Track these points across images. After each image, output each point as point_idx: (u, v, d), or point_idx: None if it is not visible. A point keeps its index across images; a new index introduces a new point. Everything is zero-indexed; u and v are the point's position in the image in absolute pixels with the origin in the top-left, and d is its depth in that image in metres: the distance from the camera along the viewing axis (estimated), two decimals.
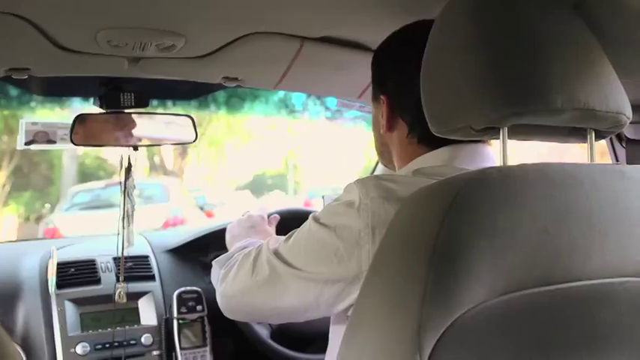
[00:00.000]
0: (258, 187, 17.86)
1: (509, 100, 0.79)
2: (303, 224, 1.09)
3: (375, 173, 2.27)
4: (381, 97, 1.16)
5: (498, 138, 0.83)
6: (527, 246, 0.74)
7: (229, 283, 1.20)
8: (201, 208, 11.32)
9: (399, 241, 0.79)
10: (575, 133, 0.91)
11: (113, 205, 7.84)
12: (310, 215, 1.09)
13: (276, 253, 1.10)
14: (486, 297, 0.72)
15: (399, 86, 1.13)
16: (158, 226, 8.23)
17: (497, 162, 1.07)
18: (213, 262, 1.34)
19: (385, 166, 1.28)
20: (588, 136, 0.90)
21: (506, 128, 0.82)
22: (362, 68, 1.34)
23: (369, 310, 0.79)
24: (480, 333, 0.71)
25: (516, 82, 0.79)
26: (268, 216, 1.60)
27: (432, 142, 1.09)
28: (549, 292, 0.76)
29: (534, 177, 0.78)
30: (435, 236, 0.72)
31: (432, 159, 1.09)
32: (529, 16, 0.83)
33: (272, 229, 1.55)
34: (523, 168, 0.79)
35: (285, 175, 17.74)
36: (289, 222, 1.85)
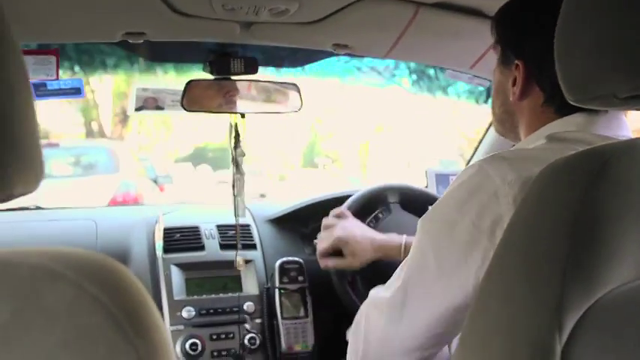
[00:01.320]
0: (198, 160, 16.78)
1: None
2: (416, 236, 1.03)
3: (484, 144, 2.19)
4: (516, 61, 1.07)
5: None
6: None
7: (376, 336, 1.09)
8: (155, 181, 9.08)
9: (537, 212, 0.74)
10: None
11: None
12: (420, 221, 1.03)
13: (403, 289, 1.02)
14: (631, 277, 0.67)
15: (539, 50, 1.02)
16: (102, 204, 5.98)
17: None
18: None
19: (502, 135, 1.20)
20: None
21: None
22: (478, 36, 1.30)
23: (502, 285, 0.75)
24: (624, 316, 0.68)
25: None
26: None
27: (567, 112, 1.02)
28: None
29: None
30: (577, 209, 0.67)
31: (565, 125, 1.01)
32: None
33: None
34: None
35: (228, 150, 16.94)
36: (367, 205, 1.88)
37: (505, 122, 1.16)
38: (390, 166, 13.53)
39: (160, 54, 1.83)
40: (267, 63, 1.88)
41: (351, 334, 1.17)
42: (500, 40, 1.12)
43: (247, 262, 1.99)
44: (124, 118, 14.42)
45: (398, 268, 1.07)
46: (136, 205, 2.84)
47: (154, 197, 7.85)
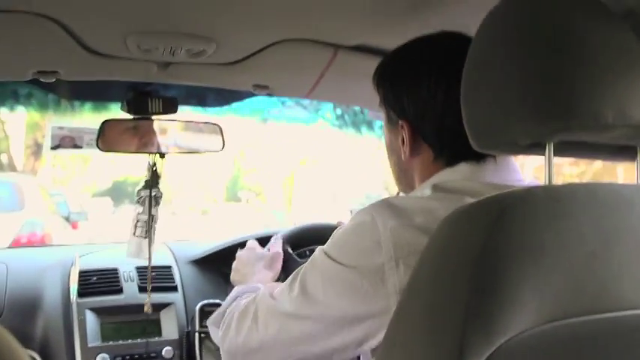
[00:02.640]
0: (118, 194, 16.13)
1: (556, 115, 0.73)
2: (310, 261, 1.02)
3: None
4: (400, 122, 1.06)
5: (543, 154, 0.78)
6: (575, 270, 0.70)
7: (233, 341, 1.10)
8: (67, 219, 8.32)
9: (438, 262, 0.75)
10: (623, 151, 0.86)
11: None
12: (318, 249, 1.01)
13: (283, 302, 1.02)
14: (531, 324, 0.68)
15: (420, 108, 1.04)
16: (3, 245, 5.14)
17: (525, 174, 1.05)
18: (208, 323, 1.26)
19: (403, 191, 1.18)
20: (638, 155, 0.84)
21: (552, 144, 0.77)
22: None
23: (404, 335, 0.75)
24: None
25: (564, 95, 0.73)
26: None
27: (457, 162, 1.04)
28: (597, 321, 0.71)
29: (582, 197, 0.74)
30: (476, 257, 0.68)
31: (451, 174, 1.02)
32: (577, 27, 0.77)
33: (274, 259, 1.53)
34: (570, 187, 0.75)
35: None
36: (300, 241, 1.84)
37: (402, 179, 1.14)
38: (315, 200, 13.52)
39: (76, 92, 1.79)
40: (189, 102, 1.86)
41: (216, 325, 1.20)
42: (383, 100, 1.10)
43: (167, 305, 1.95)
44: (37, 151, 13.55)
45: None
46: (52, 246, 2.72)
47: (66, 236, 7.26)
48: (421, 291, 0.75)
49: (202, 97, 1.91)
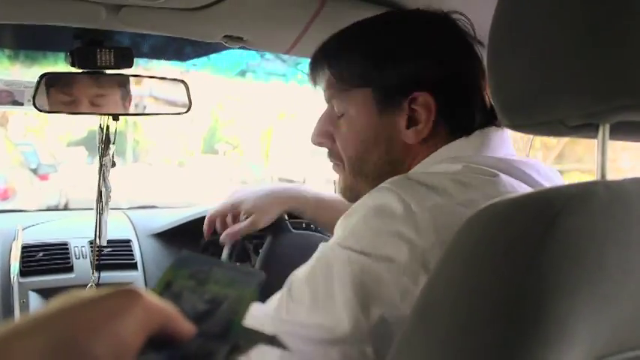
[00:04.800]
0: (93, 144, 16.42)
1: (618, 90, 0.58)
2: (315, 261, 0.84)
3: None
4: (409, 97, 0.93)
5: (595, 137, 0.65)
6: (637, 295, 0.59)
7: None
8: (34, 171, 7.91)
9: (462, 280, 0.62)
10: None
11: None
12: (324, 245, 0.85)
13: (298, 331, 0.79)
14: None
15: (442, 74, 0.94)
16: None
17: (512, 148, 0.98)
18: None
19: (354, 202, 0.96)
20: None
21: (608, 126, 0.64)
22: None
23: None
24: None
25: (631, 65, 0.57)
26: None
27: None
28: None
29: None
30: (518, 277, 0.56)
31: (463, 147, 0.93)
32: None
33: None
34: (637, 183, 0.63)
35: (124, 133, 14.93)
36: None
37: (385, 175, 0.92)
38: (292, 154, 13.44)
39: (12, 39, 1.53)
40: (146, 54, 1.61)
41: None
42: (371, 78, 0.96)
43: (125, 285, 1.72)
44: None
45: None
46: None
47: (32, 190, 7.07)
48: (436, 314, 0.62)
49: (163, 49, 1.66)
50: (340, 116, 0.99)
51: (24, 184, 6.94)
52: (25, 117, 15.06)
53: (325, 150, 1.05)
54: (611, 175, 0.67)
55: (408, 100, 0.93)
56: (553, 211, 0.58)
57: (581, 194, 0.60)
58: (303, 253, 1.17)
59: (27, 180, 7.31)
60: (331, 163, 1.06)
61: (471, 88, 0.96)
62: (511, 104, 0.68)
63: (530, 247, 0.57)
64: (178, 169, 16.67)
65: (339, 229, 0.84)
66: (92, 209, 1.60)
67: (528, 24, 0.65)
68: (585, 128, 0.65)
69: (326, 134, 1.03)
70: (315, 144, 1.06)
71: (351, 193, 1.02)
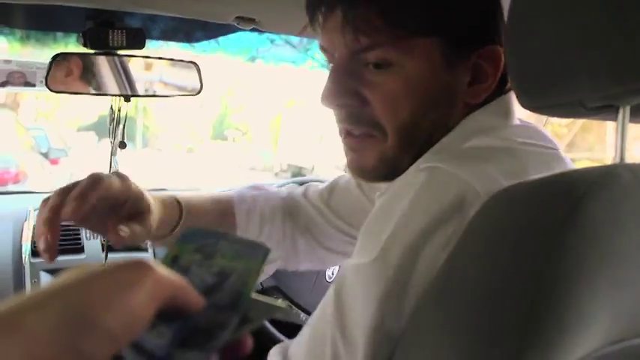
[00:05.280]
0: (103, 129, 16.19)
1: (637, 71, 0.57)
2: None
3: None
4: (494, 52, 0.81)
5: (614, 119, 0.64)
6: None
7: None
8: (45, 155, 7.82)
9: (482, 263, 0.60)
10: None
11: None
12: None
13: None
14: (598, 345, 0.57)
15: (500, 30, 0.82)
16: None
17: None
18: None
19: (381, 180, 0.87)
20: None
21: (628, 108, 0.63)
22: None
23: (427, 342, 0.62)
24: None
25: None
26: None
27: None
28: None
29: None
30: (539, 265, 0.54)
31: (497, 113, 0.82)
32: None
33: None
34: None
35: (134, 118, 14.64)
36: None
37: (431, 146, 0.82)
38: (301, 141, 13.39)
39: (24, 20, 1.52)
40: (158, 36, 1.60)
41: None
42: (440, 25, 0.79)
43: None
44: None
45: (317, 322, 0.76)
46: (5, 194, 2.44)
47: (43, 173, 6.98)
48: (458, 287, 0.62)
49: (182, 30, 1.65)
50: (379, 68, 0.80)
51: (35, 168, 6.87)
52: (37, 101, 15.01)
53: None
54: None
55: (477, 52, 0.80)
56: (576, 195, 0.57)
57: (603, 178, 0.59)
58: None
59: (38, 164, 7.24)
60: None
61: None
62: (530, 86, 0.67)
63: (552, 231, 0.56)
64: (188, 155, 16.65)
65: (374, 218, 0.74)
66: None
67: (547, 5, 0.64)
68: (605, 110, 0.64)
69: (353, 93, 0.82)
70: (333, 106, 0.85)
71: (387, 170, 0.84)
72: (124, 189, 0.91)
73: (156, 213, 0.98)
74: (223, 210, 1.14)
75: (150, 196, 0.97)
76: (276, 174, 13.48)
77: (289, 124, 14.89)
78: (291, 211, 1.17)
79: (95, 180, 0.87)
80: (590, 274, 0.55)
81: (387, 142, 0.82)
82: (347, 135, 0.86)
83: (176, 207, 1.07)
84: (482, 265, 0.60)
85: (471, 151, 0.77)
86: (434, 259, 0.67)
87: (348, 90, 0.82)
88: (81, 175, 0.93)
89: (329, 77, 0.83)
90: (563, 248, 0.55)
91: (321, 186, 1.20)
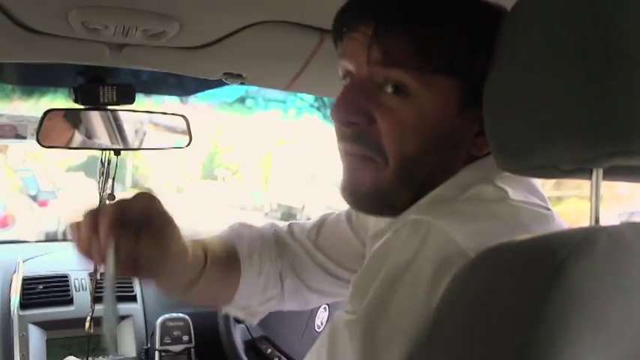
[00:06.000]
0: (92, 169, 16.08)
1: (613, 135, 0.59)
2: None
3: None
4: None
5: (589, 179, 0.65)
6: (636, 339, 0.60)
7: None
8: (34, 197, 7.84)
9: (468, 325, 0.61)
10: None
11: None
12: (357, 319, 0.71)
13: None
14: None
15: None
16: None
17: None
18: None
19: (372, 211, 0.89)
20: None
21: (601, 170, 0.64)
22: None
23: None
24: None
25: (623, 109, 0.59)
26: None
27: None
28: None
29: None
30: (525, 330, 0.55)
31: (493, 166, 0.75)
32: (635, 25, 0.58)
33: None
34: (633, 228, 0.62)
35: (124, 159, 15.82)
36: None
37: (428, 188, 0.81)
38: (292, 180, 13.40)
39: (16, 75, 1.54)
40: (148, 90, 1.62)
41: None
42: (464, 67, 0.77)
43: (124, 317, 1.73)
44: None
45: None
46: None
47: (32, 216, 6.97)
48: (448, 343, 0.62)
49: (164, 85, 1.67)
50: (396, 93, 0.78)
51: (23, 212, 6.80)
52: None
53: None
54: (611, 202, 0.67)
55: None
56: (557, 260, 0.57)
57: (583, 242, 0.59)
58: None
59: (26, 207, 7.18)
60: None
61: None
62: (507, 148, 0.69)
63: (536, 297, 0.56)
64: (177, 195, 16.61)
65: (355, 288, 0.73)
66: None
67: (524, 73, 0.65)
68: (579, 171, 0.65)
69: (363, 112, 0.80)
70: (342, 122, 0.82)
71: (379, 200, 0.83)
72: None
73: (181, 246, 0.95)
74: (229, 252, 1.11)
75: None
76: (267, 214, 13.43)
77: (279, 163, 14.91)
78: (279, 249, 1.14)
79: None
80: (574, 338, 0.56)
81: (386, 170, 0.80)
82: (347, 154, 0.84)
83: (201, 254, 1.03)
84: (469, 321, 0.61)
85: (466, 206, 0.76)
86: (421, 313, 0.66)
87: (359, 109, 0.79)
88: (69, 217, 0.93)
89: (343, 92, 0.81)
90: (548, 314, 0.55)
91: (308, 224, 1.16)
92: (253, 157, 17.86)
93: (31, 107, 1.66)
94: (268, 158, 16.54)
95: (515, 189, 0.78)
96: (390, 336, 0.68)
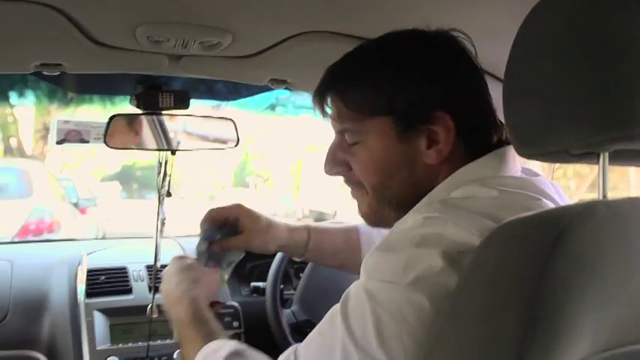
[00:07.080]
0: (126, 178, 16.29)
1: (616, 122, 0.66)
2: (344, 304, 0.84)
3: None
4: (440, 117, 0.92)
5: (595, 163, 0.72)
6: (637, 297, 0.66)
7: None
8: (75, 205, 8.06)
9: (486, 287, 0.69)
10: None
11: None
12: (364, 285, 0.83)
13: None
14: (587, 353, 0.64)
15: (465, 100, 0.94)
16: (11, 234, 5.74)
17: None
18: None
19: (378, 225, 1.06)
20: None
21: (607, 154, 0.71)
22: None
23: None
24: None
25: (626, 100, 0.65)
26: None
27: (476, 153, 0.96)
28: None
29: None
30: (533, 283, 0.62)
31: (482, 168, 0.94)
32: (634, 29, 0.67)
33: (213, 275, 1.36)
34: (633, 202, 0.69)
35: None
36: None
37: (408, 198, 0.96)
38: (323, 186, 13.49)
39: (83, 85, 1.70)
40: (202, 96, 1.77)
41: None
42: (389, 107, 0.94)
43: None
44: (46, 135, 13.31)
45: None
46: (59, 241, 2.64)
47: (74, 222, 7.19)
48: (465, 317, 0.70)
49: (215, 91, 1.81)
50: (354, 144, 0.98)
51: (67, 218, 6.99)
52: (62, 152, 15.29)
53: None
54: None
55: (427, 122, 0.92)
56: (559, 227, 0.64)
57: (584, 212, 0.66)
58: (340, 279, 1.33)
59: (69, 213, 7.37)
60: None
61: (484, 105, 0.97)
62: (524, 136, 0.75)
63: (541, 260, 0.62)
64: (210, 203, 16.78)
65: (377, 264, 0.84)
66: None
67: (538, 68, 0.72)
68: (587, 156, 0.71)
69: (341, 163, 1.02)
70: (330, 174, 1.05)
71: (376, 218, 1.02)
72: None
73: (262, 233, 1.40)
74: (348, 232, 1.43)
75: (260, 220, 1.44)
76: (299, 220, 13.53)
77: (310, 169, 14.96)
78: None
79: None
80: (576, 293, 0.62)
81: (369, 197, 1.00)
82: (349, 189, 1.06)
83: (304, 230, 1.41)
84: (485, 298, 0.68)
85: (463, 201, 0.87)
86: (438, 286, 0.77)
87: (338, 161, 1.02)
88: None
89: (328, 149, 1.04)
90: (552, 274, 0.62)
91: None
92: (284, 164, 17.93)
93: (94, 114, 1.81)
94: (299, 164, 16.65)
95: (503, 184, 0.90)
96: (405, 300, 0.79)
